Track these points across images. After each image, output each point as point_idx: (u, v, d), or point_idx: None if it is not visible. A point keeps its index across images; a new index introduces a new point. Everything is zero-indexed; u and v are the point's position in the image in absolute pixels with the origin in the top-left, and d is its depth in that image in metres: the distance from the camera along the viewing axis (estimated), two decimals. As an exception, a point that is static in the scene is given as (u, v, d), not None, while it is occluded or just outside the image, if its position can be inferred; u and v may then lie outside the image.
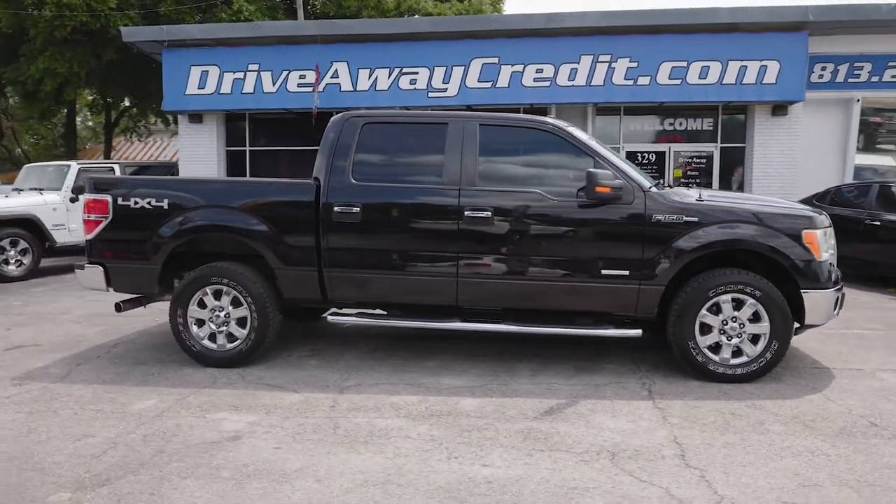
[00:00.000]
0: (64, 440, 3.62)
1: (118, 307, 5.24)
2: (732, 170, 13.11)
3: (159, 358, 5.28)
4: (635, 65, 12.19)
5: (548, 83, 12.43)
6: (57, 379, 4.76)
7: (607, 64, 12.25)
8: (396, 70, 12.71)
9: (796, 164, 12.46)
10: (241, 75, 13.03)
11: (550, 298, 4.76)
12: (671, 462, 3.33)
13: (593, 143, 4.89)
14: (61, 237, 10.22)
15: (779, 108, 12.42)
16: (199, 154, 13.98)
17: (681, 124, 13.21)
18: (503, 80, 12.50)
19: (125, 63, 17.25)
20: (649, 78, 12.18)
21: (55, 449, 3.50)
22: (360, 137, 4.89)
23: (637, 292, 4.62)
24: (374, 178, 4.86)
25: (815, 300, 4.52)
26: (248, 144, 14.24)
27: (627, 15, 12.19)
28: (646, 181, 4.74)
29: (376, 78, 12.77)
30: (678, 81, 12.12)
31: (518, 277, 4.72)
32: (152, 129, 26.82)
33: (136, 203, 5.00)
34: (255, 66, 12.97)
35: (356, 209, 4.77)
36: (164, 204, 4.98)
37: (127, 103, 22.85)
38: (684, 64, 12.05)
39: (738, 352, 4.58)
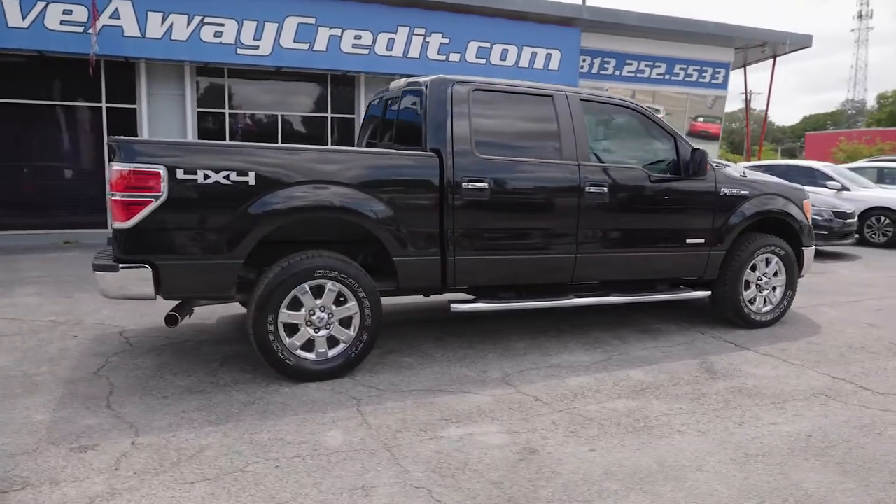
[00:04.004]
0: (350, 497, 2.68)
1: (174, 319, 3.80)
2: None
3: (211, 381, 4.01)
4: (447, 41, 12.66)
5: (366, 51, 12.09)
6: (129, 433, 3.29)
7: (422, 38, 12.46)
8: (197, 18, 10.86)
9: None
10: (-32, -1, 9.57)
11: (650, 268, 5.06)
12: (867, 394, 4.05)
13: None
14: None
15: (554, 93, 14.29)
16: None
17: (476, 101, 14.17)
18: (321, 44, 11.72)
19: None
20: (459, 55, 12.80)
21: (366, 514, 2.60)
22: (472, 106, 4.41)
23: (708, 258, 5.24)
24: (495, 151, 4.45)
25: (808, 255, 5.77)
26: (-31, 94, 10.56)
27: (441, -10, 12.53)
28: (705, 158, 5.35)
29: (171, 24, 10.72)
30: (483, 61, 13.01)
31: (627, 251, 4.90)
32: None
33: (206, 177, 3.68)
34: (-7, -10, 9.67)
35: (485, 185, 4.34)
36: (251, 178, 3.77)
37: None
38: (488, 45, 12.98)
39: (764, 301, 5.58)
